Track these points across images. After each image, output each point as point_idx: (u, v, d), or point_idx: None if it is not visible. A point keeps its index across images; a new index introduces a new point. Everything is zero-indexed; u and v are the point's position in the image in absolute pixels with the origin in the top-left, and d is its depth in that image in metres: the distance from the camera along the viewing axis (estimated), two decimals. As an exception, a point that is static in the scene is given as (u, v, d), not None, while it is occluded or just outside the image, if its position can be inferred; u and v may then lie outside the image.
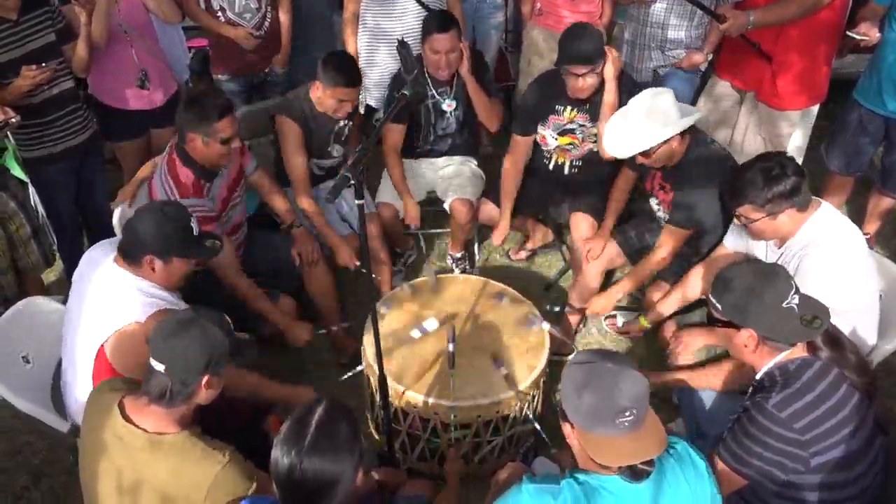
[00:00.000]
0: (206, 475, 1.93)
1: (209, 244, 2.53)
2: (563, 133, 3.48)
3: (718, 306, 2.12)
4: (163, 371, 1.93)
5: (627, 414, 1.71)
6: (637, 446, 1.74)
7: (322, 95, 3.34)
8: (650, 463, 1.76)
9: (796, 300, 2.04)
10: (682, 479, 1.83)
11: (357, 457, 1.77)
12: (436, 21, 3.44)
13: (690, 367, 2.73)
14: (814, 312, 2.04)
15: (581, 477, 1.79)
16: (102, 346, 2.36)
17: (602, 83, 3.28)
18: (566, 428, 1.83)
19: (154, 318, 2.33)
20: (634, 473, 1.75)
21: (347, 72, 3.30)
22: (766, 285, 2.05)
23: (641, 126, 2.92)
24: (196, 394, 1.98)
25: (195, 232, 2.48)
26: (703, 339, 2.79)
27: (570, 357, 1.90)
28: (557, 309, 3.63)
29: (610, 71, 3.24)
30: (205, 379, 1.97)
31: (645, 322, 3.09)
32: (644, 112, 2.92)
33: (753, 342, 2.07)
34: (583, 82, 3.22)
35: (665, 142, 2.91)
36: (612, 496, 1.76)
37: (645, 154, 2.96)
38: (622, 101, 3.21)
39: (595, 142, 3.45)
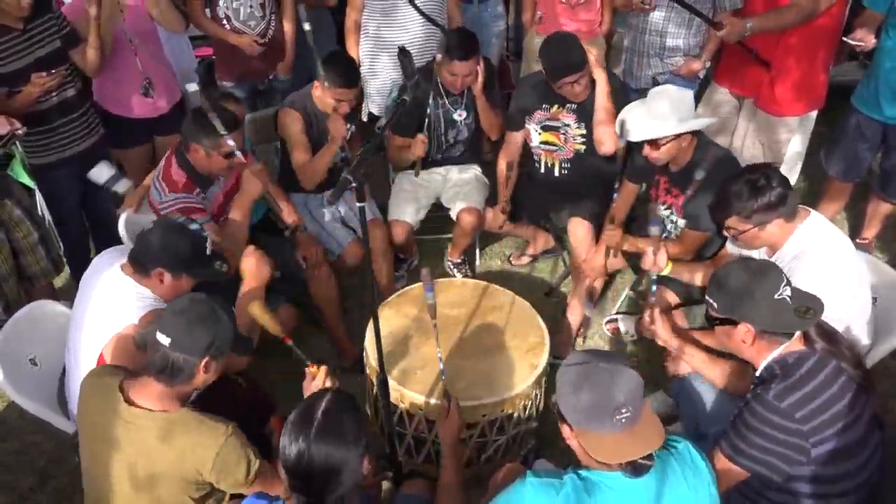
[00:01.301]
0: (211, 445, 1.99)
1: (217, 265, 2.58)
2: (546, 129, 3.53)
3: (715, 305, 2.17)
4: (167, 344, 1.99)
5: (624, 410, 1.74)
6: (635, 442, 1.77)
7: (322, 94, 3.40)
8: (650, 457, 1.79)
9: (788, 292, 2.09)
10: (681, 477, 1.86)
11: (363, 444, 1.82)
12: (458, 46, 3.46)
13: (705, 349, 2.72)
14: (807, 304, 2.09)
15: (583, 473, 1.83)
16: (103, 350, 2.40)
17: (592, 82, 3.35)
18: (565, 429, 1.85)
19: (146, 319, 2.37)
20: (635, 469, 1.78)
21: (346, 72, 3.36)
22: (757, 280, 2.10)
23: (660, 114, 2.93)
24: (196, 374, 2.03)
25: (207, 252, 2.54)
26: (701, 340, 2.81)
27: (566, 358, 1.92)
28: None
29: (597, 69, 3.31)
30: (205, 360, 2.02)
31: (669, 268, 2.98)
32: (666, 101, 2.94)
33: (751, 337, 2.11)
34: (578, 86, 3.30)
35: (677, 136, 2.93)
36: (613, 491, 1.79)
37: (654, 144, 2.97)
38: (618, 103, 3.27)
39: (582, 143, 3.49)
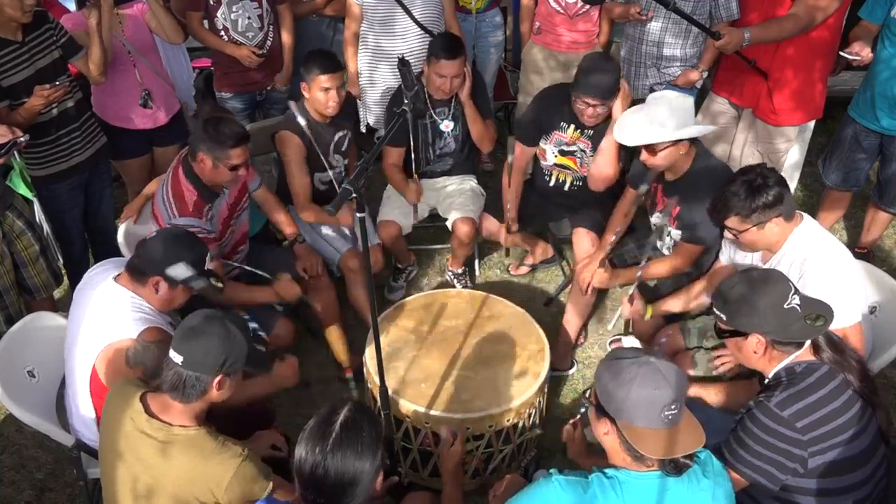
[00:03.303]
0: (226, 467, 1.98)
1: (213, 281, 2.57)
2: (563, 153, 3.51)
3: (723, 317, 2.17)
4: (179, 363, 1.98)
5: (673, 407, 1.76)
6: (679, 439, 1.78)
7: (309, 94, 3.39)
8: (690, 457, 1.80)
9: (797, 300, 2.09)
10: (706, 482, 1.86)
11: (378, 459, 1.81)
12: (444, 47, 3.47)
13: (694, 381, 2.74)
14: (817, 311, 2.09)
15: (610, 472, 1.83)
16: (95, 361, 2.39)
17: (609, 115, 3.33)
18: (604, 425, 1.84)
19: (143, 335, 2.36)
20: (677, 467, 1.79)
21: (321, 59, 3.35)
22: (764, 289, 2.10)
23: (658, 119, 2.91)
24: (208, 392, 2.02)
25: (206, 266, 2.53)
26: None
27: (607, 355, 1.92)
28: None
29: (618, 106, 3.28)
30: (218, 378, 2.01)
31: (649, 314, 3.07)
32: (665, 107, 2.93)
33: (762, 347, 2.11)
34: (592, 111, 3.28)
35: (675, 143, 2.91)
36: (641, 490, 1.80)
37: (651, 150, 2.95)
38: None
39: None
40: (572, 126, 3.44)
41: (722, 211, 2.60)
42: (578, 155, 3.49)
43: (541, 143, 3.56)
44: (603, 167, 3.37)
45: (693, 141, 2.99)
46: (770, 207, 2.51)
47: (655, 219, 3.28)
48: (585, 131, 3.42)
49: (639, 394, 1.77)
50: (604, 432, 1.85)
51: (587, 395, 1.92)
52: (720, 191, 2.62)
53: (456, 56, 3.46)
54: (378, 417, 1.91)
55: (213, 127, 2.92)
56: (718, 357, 2.80)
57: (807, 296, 2.14)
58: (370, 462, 1.78)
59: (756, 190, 2.51)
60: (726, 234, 2.66)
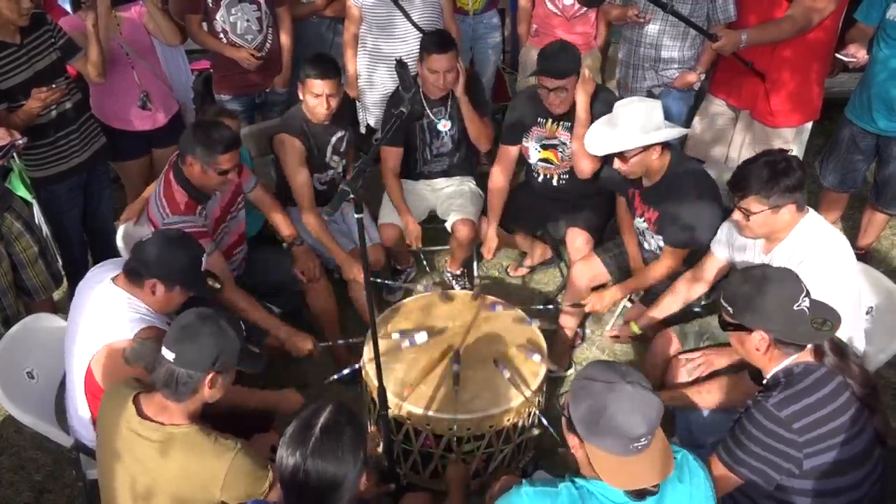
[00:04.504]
0: (221, 462, 1.99)
1: (210, 282, 2.58)
2: (545, 147, 3.54)
3: (730, 309, 2.15)
4: (171, 360, 1.98)
5: (643, 440, 1.72)
6: (645, 469, 1.75)
7: (303, 98, 3.40)
8: (656, 484, 1.77)
9: (807, 303, 2.08)
10: (679, 488, 1.85)
11: (361, 461, 1.79)
12: (434, 41, 3.48)
13: (686, 385, 2.74)
14: (825, 316, 2.08)
15: (579, 481, 1.81)
16: (91, 362, 2.40)
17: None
18: (573, 439, 1.81)
19: (140, 335, 2.36)
20: (640, 493, 1.76)
21: (317, 64, 3.33)
22: (775, 288, 2.09)
23: (624, 127, 2.92)
24: (201, 389, 2.03)
25: (202, 268, 2.54)
26: (725, 360, 2.78)
27: (585, 368, 1.85)
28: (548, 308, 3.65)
29: (580, 94, 3.30)
30: (210, 375, 2.02)
31: (636, 328, 3.11)
32: (631, 114, 2.93)
33: (765, 344, 2.10)
34: (554, 96, 3.31)
35: (644, 149, 2.91)
36: (609, 502, 1.78)
37: (622, 158, 2.95)
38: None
39: None
40: (549, 119, 3.48)
41: (741, 190, 2.53)
42: (560, 148, 3.52)
43: (523, 141, 3.58)
44: (578, 148, 3.37)
45: (666, 145, 2.97)
46: (790, 192, 2.48)
47: (637, 223, 3.29)
48: (562, 123, 3.45)
49: (609, 423, 1.71)
50: (573, 446, 1.82)
51: (562, 406, 1.86)
52: (740, 169, 2.58)
53: (446, 50, 3.45)
54: (361, 419, 1.89)
55: (203, 131, 2.92)
56: (697, 365, 2.79)
57: (817, 300, 2.12)
58: (352, 465, 1.77)
59: (781, 172, 2.47)
60: (734, 215, 2.60)
